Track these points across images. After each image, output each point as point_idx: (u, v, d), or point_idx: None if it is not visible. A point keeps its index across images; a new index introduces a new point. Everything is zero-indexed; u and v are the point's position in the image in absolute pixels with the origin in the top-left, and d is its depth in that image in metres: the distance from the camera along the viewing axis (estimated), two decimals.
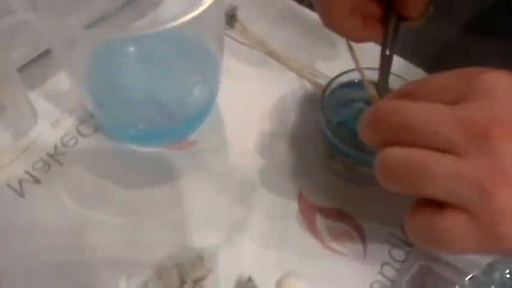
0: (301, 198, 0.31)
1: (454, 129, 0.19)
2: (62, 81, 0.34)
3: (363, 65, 0.31)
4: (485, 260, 0.24)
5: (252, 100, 0.35)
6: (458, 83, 0.20)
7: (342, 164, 0.30)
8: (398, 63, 0.37)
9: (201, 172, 0.31)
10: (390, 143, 0.20)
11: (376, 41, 0.30)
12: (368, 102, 0.31)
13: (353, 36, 0.29)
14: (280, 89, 0.36)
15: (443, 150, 0.19)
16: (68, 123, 0.33)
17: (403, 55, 0.37)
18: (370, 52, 0.30)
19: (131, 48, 0.31)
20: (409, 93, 0.22)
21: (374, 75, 0.30)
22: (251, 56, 0.38)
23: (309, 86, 0.36)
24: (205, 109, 0.32)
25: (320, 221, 0.30)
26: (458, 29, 0.43)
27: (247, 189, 0.31)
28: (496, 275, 0.22)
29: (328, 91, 0.31)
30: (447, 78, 0.21)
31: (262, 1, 0.42)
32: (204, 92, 0.31)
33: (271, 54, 0.38)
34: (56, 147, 0.32)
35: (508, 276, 0.22)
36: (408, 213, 0.21)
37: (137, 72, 0.32)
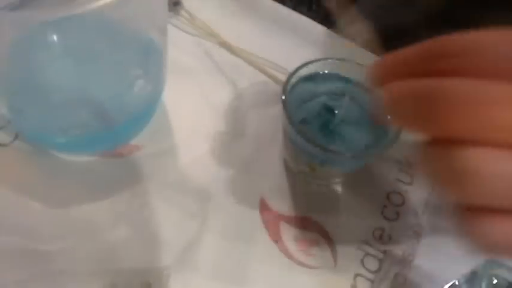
0: (263, 206, 0.27)
1: None
2: None
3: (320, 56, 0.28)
4: (463, 267, 0.22)
5: (204, 98, 0.31)
6: None
7: (307, 166, 0.27)
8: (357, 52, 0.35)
9: (146, 182, 0.27)
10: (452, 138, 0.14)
11: None
12: (332, 96, 0.28)
13: None
14: (235, 84, 0.32)
15: None
16: None
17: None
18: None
19: (55, 39, 0.26)
20: (450, 54, 0.15)
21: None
22: (201, 47, 0.34)
23: (266, 80, 0.33)
24: (148, 109, 0.28)
25: (285, 231, 0.26)
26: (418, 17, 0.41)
27: (200, 200, 0.27)
28: (482, 284, 0.20)
29: (288, 86, 0.28)
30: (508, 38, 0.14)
31: None
32: (145, 88, 0.27)
33: (224, 45, 0.34)
34: None
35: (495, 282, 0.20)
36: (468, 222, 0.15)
37: (63, 68, 0.26)
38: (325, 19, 0.37)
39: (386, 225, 0.27)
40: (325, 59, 0.27)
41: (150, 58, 0.27)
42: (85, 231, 0.25)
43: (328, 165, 0.27)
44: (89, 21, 0.27)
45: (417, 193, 0.29)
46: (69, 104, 0.26)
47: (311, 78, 0.29)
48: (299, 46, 0.34)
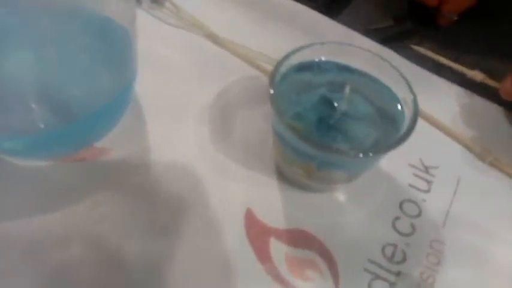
0: (249, 217, 0.23)
1: None
2: None
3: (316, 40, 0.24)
4: None
5: (187, 95, 0.28)
6: None
7: (302, 169, 0.23)
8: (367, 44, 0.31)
9: (109, 191, 0.23)
10: None
11: None
12: (330, 87, 0.24)
13: None
14: (222, 79, 0.29)
15: None
16: None
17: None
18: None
19: (8, 24, 0.23)
20: None
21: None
22: (186, 40, 0.31)
23: (257, 74, 0.30)
24: (116, 105, 0.24)
25: (275, 248, 0.22)
26: None
27: (174, 212, 0.23)
28: None
29: (277, 77, 0.24)
30: None
31: None
32: (111, 80, 0.24)
33: (210, 37, 0.31)
34: None
35: None
36: None
37: (14, 56, 0.23)
38: (326, 8, 0.34)
39: (400, 241, 0.23)
40: (321, 43, 0.24)
41: (117, 46, 0.24)
42: (28, 249, 0.20)
43: (327, 167, 0.23)
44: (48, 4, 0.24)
45: (436, 202, 0.25)
46: (21, 97, 0.22)
47: (305, 67, 0.25)
48: (295, 37, 0.31)
